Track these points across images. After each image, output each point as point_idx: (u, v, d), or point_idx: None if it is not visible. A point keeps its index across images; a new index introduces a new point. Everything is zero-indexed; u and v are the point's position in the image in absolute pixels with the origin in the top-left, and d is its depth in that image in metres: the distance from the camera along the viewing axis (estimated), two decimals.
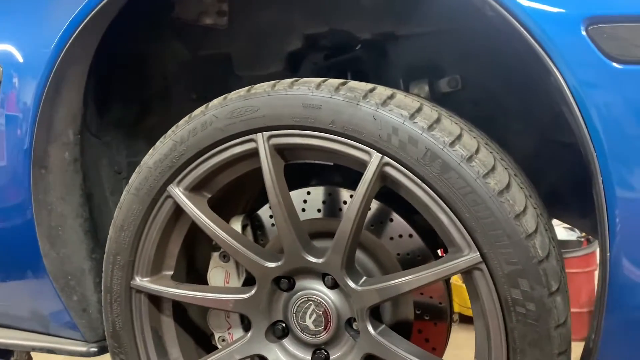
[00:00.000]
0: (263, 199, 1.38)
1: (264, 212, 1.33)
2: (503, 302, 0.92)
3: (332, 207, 1.26)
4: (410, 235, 1.18)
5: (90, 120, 1.40)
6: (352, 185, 1.26)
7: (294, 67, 1.59)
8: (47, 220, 1.32)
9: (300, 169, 1.37)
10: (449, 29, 1.38)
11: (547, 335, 0.90)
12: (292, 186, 1.24)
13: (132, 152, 1.55)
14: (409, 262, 1.18)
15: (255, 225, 1.33)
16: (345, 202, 1.23)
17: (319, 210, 1.26)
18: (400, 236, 1.19)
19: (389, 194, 1.14)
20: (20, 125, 1.24)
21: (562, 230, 3.29)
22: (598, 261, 0.93)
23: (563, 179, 1.40)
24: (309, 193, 1.27)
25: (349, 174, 1.34)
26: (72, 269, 1.37)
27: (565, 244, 3.08)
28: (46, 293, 1.37)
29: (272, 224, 1.32)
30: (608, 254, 0.84)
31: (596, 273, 3.10)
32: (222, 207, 1.23)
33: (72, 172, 1.33)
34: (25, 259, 1.35)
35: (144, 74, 1.56)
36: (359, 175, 1.29)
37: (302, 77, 1.57)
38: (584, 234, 3.04)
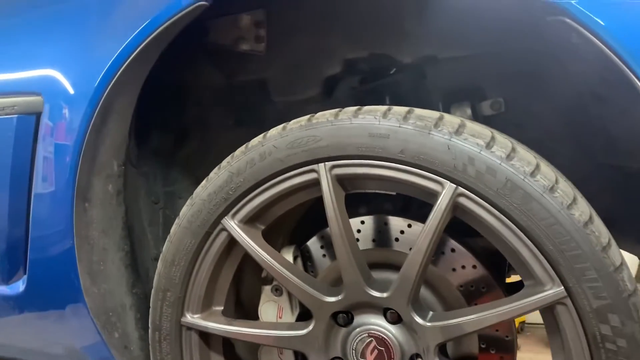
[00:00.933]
0: (302, 229, 1.35)
1: (314, 243, 1.29)
2: (590, 339, 0.88)
3: (387, 237, 1.22)
4: (474, 266, 1.14)
5: (131, 151, 1.36)
6: (405, 213, 1.23)
7: (330, 91, 1.57)
8: (88, 255, 1.27)
9: (349, 197, 1.33)
10: (493, 51, 1.36)
11: None
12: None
13: (168, 182, 1.51)
14: (472, 294, 1.14)
15: (305, 257, 1.29)
16: (402, 232, 1.19)
17: (373, 241, 1.22)
18: (463, 267, 1.15)
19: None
20: (65, 158, 1.19)
21: None
22: None
23: (616, 203, 1.36)
24: (362, 222, 1.23)
25: (401, 202, 1.31)
26: (113, 304, 1.32)
27: None
28: (86, 330, 1.31)
29: (323, 255, 1.28)
30: None
31: None
32: (268, 238, 1.19)
33: (115, 204, 1.28)
34: (65, 295, 1.29)
35: (180, 102, 1.52)
36: (411, 202, 1.27)
37: (338, 101, 1.54)
38: None
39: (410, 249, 1.12)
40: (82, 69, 1.19)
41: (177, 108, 1.52)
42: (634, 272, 2.96)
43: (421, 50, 1.41)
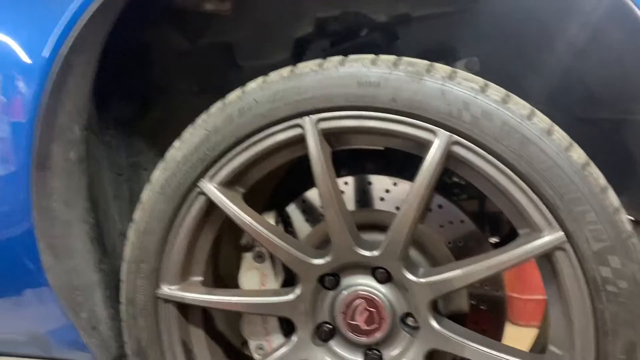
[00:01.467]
0: (281, 194, 1.29)
1: (294, 209, 1.23)
2: (591, 283, 0.87)
3: (372, 197, 1.17)
4: (462, 221, 1.12)
5: (91, 117, 1.26)
6: (387, 172, 1.20)
7: (300, 55, 1.50)
8: (50, 230, 1.17)
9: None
10: (467, 9, 1.34)
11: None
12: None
13: (132, 152, 1.42)
14: (462, 250, 1.12)
15: (285, 222, 1.23)
16: (387, 191, 1.16)
17: (358, 202, 1.18)
18: (451, 223, 1.13)
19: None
20: (19, 119, 1.09)
21: None
22: None
23: (593, 157, 1.37)
24: (346, 183, 1.18)
25: (383, 160, 1.27)
26: (80, 282, 1.22)
27: None
28: (50, 312, 1.21)
29: (305, 219, 1.22)
30: None
31: None
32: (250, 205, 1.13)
33: (78, 173, 1.18)
34: (24, 274, 1.19)
35: (142, 67, 1.42)
36: (393, 161, 1.23)
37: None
38: None
39: (397, 207, 1.09)
40: (37, 28, 1.08)
41: (139, 74, 1.41)
42: None
43: (395, 7, 1.37)
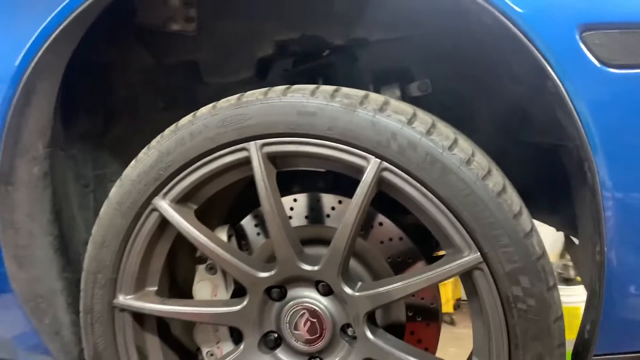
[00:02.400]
0: (239, 209, 1.36)
1: (248, 222, 1.31)
2: (504, 300, 0.95)
3: (319, 213, 1.25)
4: (401, 238, 1.20)
5: (57, 133, 1.32)
6: (336, 190, 1.27)
7: (264, 73, 1.58)
8: (14, 240, 1.23)
9: (282, 176, 1.36)
10: (420, 33, 1.42)
11: (547, 329, 0.94)
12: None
13: (98, 165, 1.48)
14: (400, 265, 1.20)
15: (239, 236, 1.30)
16: (333, 208, 1.23)
17: (306, 217, 1.25)
18: (391, 240, 1.21)
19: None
20: None
21: None
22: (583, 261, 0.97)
23: (532, 177, 1.46)
24: (295, 200, 1.26)
25: (331, 179, 1.35)
26: (43, 290, 1.29)
27: None
28: (14, 318, 1.28)
29: (258, 233, 1.30)
30: (605, 247, 0.88)
31: None
32: (201, 218, 1.20)
33: (42, 187, 1.25)
34: None
35: (109, 83, 1.49)
36: (344, 180, 1.30)
37: (272, 84, 1.56)
38: None
39: None
40: (1, 48, 1.14)
41: (104, 89, 1.48)
42: (558, 248, 3.15)
43: (352, 32, 1.44)
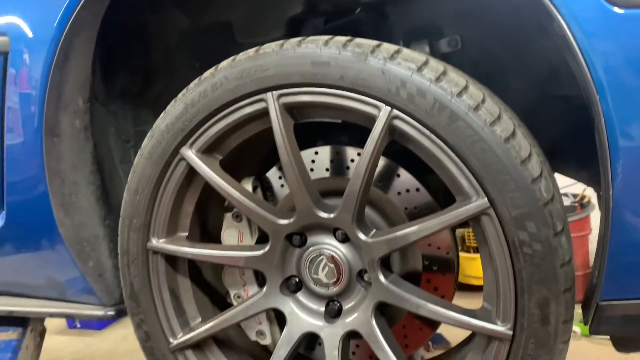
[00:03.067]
0: (270, 162, 1.42)
1: (273, 174, 1.36)
2: (511, 245, 0.97)
3: (339, 165, 1.29)
4: (417, 190, 1.22)
5: (98, 89, 1.42)
6: (358, 144, 1.30)
7: (295, 33, 1.61)
8: (60, 189, 1.34)
9: (307, 131, 1.40)
10: None
11: (553, 274, 0.95)
12: (301, 147, 1.28)
13: (138, 122, 1.57)
14: (417, 215, 1.22)
15: (264, 187, 1.36)
16: (352, 160, 1.27)
17: (327, 170, 1.29)
18: (408, 191, 1.23)
19: (399, 152, 1.18)
20: (31, 94, 1.26)
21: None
22: (597, 220, 0.97)
23: (562, 133, 1.44)
24: (316, 153, 1.30)
25: (355, 134, 1.38)
26: (87, 235, 1.40)
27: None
28: (63, 260, 1.40)
29: (282, 185, 1.35)
30: (611, 192, 0.88)
31: (590, 237, 3.14)
32: (232, 170, 1.26)
33: (84, 140, 1.35)
34: (41, 226, 1.38)
35: (147, 44, 1.57)
36: (366, 134, 1.33)
37: None
38: (577, 200, 3.11)
39: None
40: (42, 11, 1.23)
41: (142, 50, 1.56)
42: None
43: None
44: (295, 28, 1.59)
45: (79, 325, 3.48)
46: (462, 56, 1.52)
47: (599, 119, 0.87)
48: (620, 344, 1.10)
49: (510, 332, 1.00)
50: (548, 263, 0.94)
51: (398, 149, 1.16)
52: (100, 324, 3.45)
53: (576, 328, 2.82)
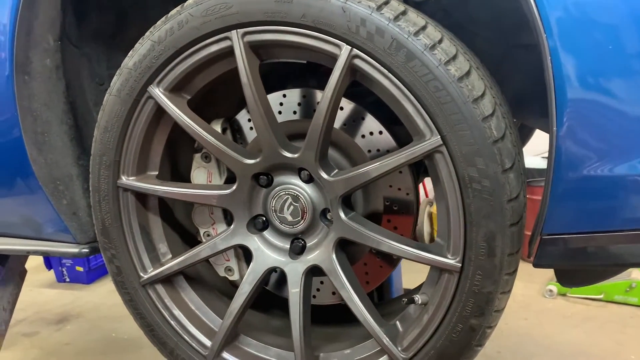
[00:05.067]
0: (243, 106, 1.44)
1: (242, 116, 1.39)
2: (461, 180, 1.01)
3: (307, 108, 1.32)
4: (381, 132, 1.25)
5: (70, 30, 1.42)
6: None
7: None
8: (32, 127, 1.36)
9: (277, 74, 1.42)
10: None
11: (500, 208, 0.99)
12: (271, 91, 1.30)
13: (112, 64, 1.58)
14: (379, 157, 1.26)
15: (234, 129, 1.39)
16: (318, 103, 1.29)
17: (294, 112, 1.32)
18: (372, 134, 1.26)
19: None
20: (1, 31, 1.26)
21: (540, 160, 3.43)
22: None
23: (525, 82, 1.46)
24: (284, 96, 1.32)
25: (323, 76, 1.40)
26: (60, 174, 1.43)
27: (541, 172, 3.21)
28: (37, 198, 1.43)
29: (251, 128, 1.38)
30: (555, 128, 0.92)
31: None
32: (204, 111, 1.29)
33: (55, 79, 1.37)
34: (14, 164, 1.40)
35: None
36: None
37: None
38: None
39: None
40: None
41: None
42: None
43: None
44: None
45: (67, 279, 3.55)
46: (434, 5, 1.53)
47: (546, 56, 0.90)
48: (564, 278, 1.16)
49: (459, 265, 1.05)
50: (495, 198, 0.99)
51: (371, 99, 1.19)
52: (89, 277, 3.52)
53: (552, 287, 2.93)
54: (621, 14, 0.90)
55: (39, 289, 3.48)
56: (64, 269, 3.54)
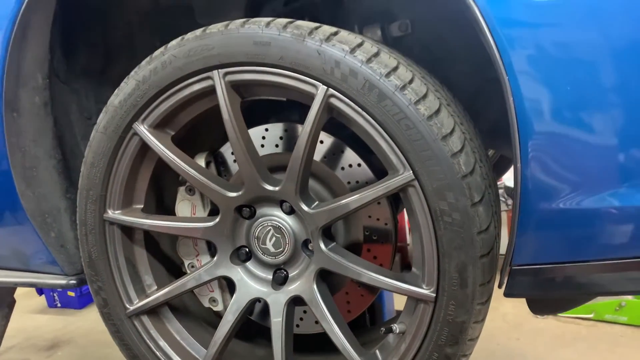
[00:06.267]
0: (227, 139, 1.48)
1: (226, 150, 1.43)
2: (433, 213, 1.05)
3: (289, 142, 1.36)
4: (359, 165, 1.30)
5: (58, 67, 1.47)
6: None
7: (254, 15, 1.66)
8: (21, 162, 1.40)
9: (260, 109, 1.46)
10: None
11: (470, 240, 1.03)
12: (254, 124, 1.35)
13: (100, 99, 1.63)
14: (358, 189, 1.30)
15: (218, 162, 1.43)
16: (298, 138, 1.33)
17: (276, 146, 1.36)
18: (350, 166, 1.31)
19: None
20: None
21: None
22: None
23: (502, 114, 1.51)
24: (267, 130, 1.37)
25: (305, 111, 1.45)
26: (49, 207, 1.46)
27: None
28: (25, 231, 1.46)
29: (234, 160, 1.42)
30: (519, 164, 0.96)
31: None
32: (188, 146, 1.33)
33: (43, 115, 1.41)
34: (3, 198, 1.43)
35: (107, 23, 1.62)
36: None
37: None
38: None
39: None
40: None
41: (102, 29, 1.61)
42: None
43: None
44: (255, 10, 1.65)
45: (59, 305, 3.55)
46: (412, 40, 1.59)
47: (508, 97, 0.95)
48: (535, 307, 1.20)
49: (434, 295, 1.09)
50: (466, 230, 1.03)
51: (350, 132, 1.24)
52: (80, 303, 3.52)
53: None
54: (579, 50, 0.95)
55: (29, 315, 3.48)
56: (55, 294, 3.55)
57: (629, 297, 2.80)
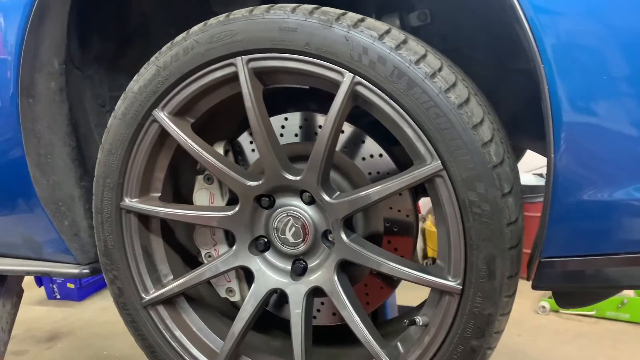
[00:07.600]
0: (246, 127, 1.46)
1: (244, 139, 1.41)
2: (461, 205, 1.03)
3: (308, 131, 1.34)
4: (381, 155, 1.28)
5: (74, 53, 1.45)
6: (327, 111, 1.35)
7: (269, 3, 1.64)
8: (36, 148, 1.38)
9: (279, 98, 1.44)
10: None
11: (499, 232, 1.01)
12: (273, 114, 1.33)
13: (114, 87, 1.60)
14: (379, 179, 1.28)
15: (236, 151, 1.41)
16: (320, 127, 1.32)
17: (296, 135, 1.35)
18: (372, 156, 1.29)
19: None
20: (7, 57, 1.28)
21: (532, 177, 3.48)
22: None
23: (521, 106, 1.50)
24: (286, 119, 1.35)
25: (324, 100, 1.43)
26: (63, 195, 1.44)
27: (533, 189, 3.26)
28: (38, 219, 1.44)
29: (252, 150, 1.40)
30: (552, 155, 0.95)
31: None
32: (207, 133, 1.31)
33: (59, 101, 1.38)
34: (17, 185, 1.41)
35: (122, 10, 1.59)
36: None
37: None
38: None
39: None
40: None
41: (118, 17, 1.58)
42: None
43: None
44: None
45: (58, 296, 3.53)
46: (431, 30, 1.57)
47: (543, 84, 0.94)
48: (562, 300, 1.18)
49: (460, 287, 1.07)
50: (495, 222, 1.01)
51: (370, 121, 1.22)
52: (79, 295, 3.50)
53: (545, 303, 2.96)
54: (616, 40, 0.93)
55: (29, 306, 3.45)
56: (54, 286, 3.52)
57: (631, 295, 2.80)
